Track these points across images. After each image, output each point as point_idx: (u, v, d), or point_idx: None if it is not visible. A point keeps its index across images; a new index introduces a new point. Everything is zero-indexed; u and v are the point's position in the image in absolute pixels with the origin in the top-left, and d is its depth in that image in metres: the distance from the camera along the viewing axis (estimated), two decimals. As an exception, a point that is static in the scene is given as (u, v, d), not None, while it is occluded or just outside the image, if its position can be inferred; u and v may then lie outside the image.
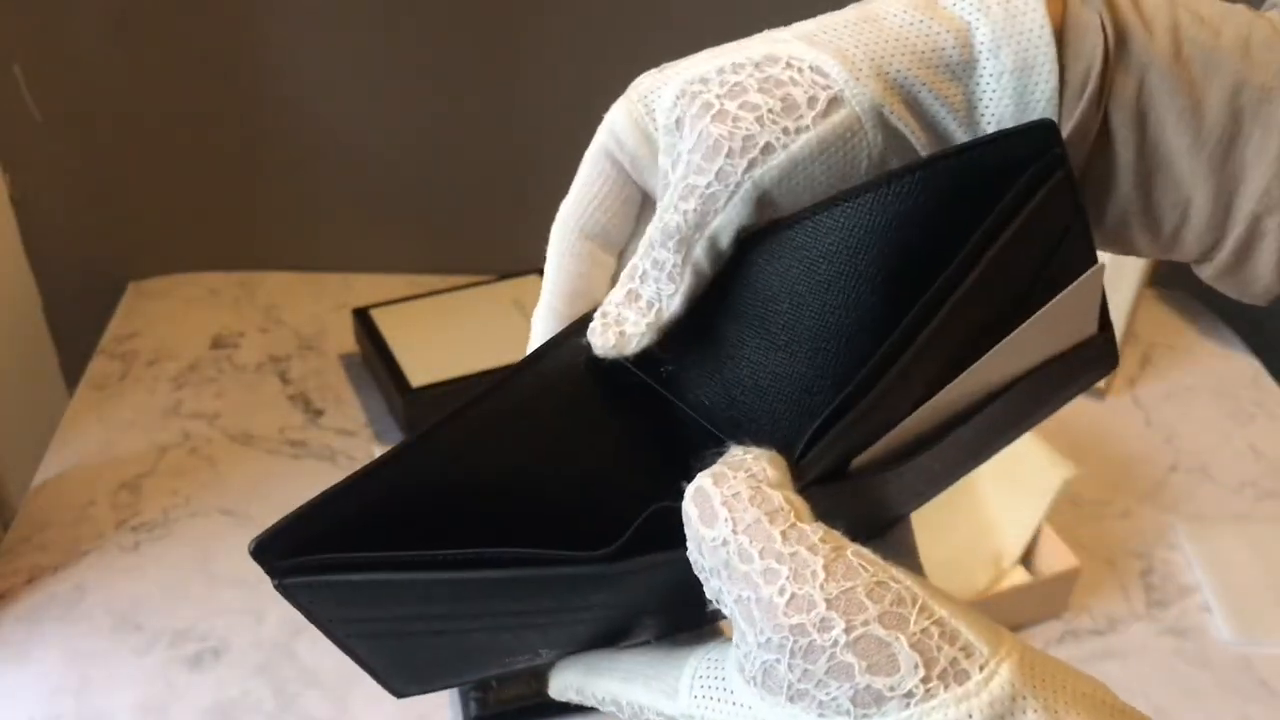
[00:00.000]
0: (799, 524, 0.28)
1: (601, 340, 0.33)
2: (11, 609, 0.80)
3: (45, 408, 1.07)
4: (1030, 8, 0.32)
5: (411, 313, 1.03)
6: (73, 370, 1.08)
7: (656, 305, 0.32)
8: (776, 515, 0.28)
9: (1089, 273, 0.32)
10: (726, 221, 0.32)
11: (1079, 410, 1.06)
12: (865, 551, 0.27)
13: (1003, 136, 0.31)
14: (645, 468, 0.33)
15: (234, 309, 1.12)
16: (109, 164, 1.08)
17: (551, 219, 0.37)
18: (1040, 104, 0.32)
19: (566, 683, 0.36)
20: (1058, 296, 0.31)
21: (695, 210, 0.32)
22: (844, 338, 0.31)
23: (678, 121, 0.33)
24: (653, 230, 0.33)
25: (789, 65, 0.33)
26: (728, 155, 0.31)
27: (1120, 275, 1.07)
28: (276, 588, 0.33)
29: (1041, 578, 0.84)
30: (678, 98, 0.33)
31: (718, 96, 0.32)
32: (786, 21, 0.37)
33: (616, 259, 0.37)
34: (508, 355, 0.97)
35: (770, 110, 0.32)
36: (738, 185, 0.31)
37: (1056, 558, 0.84)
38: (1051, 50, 0.32)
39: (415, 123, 1.09)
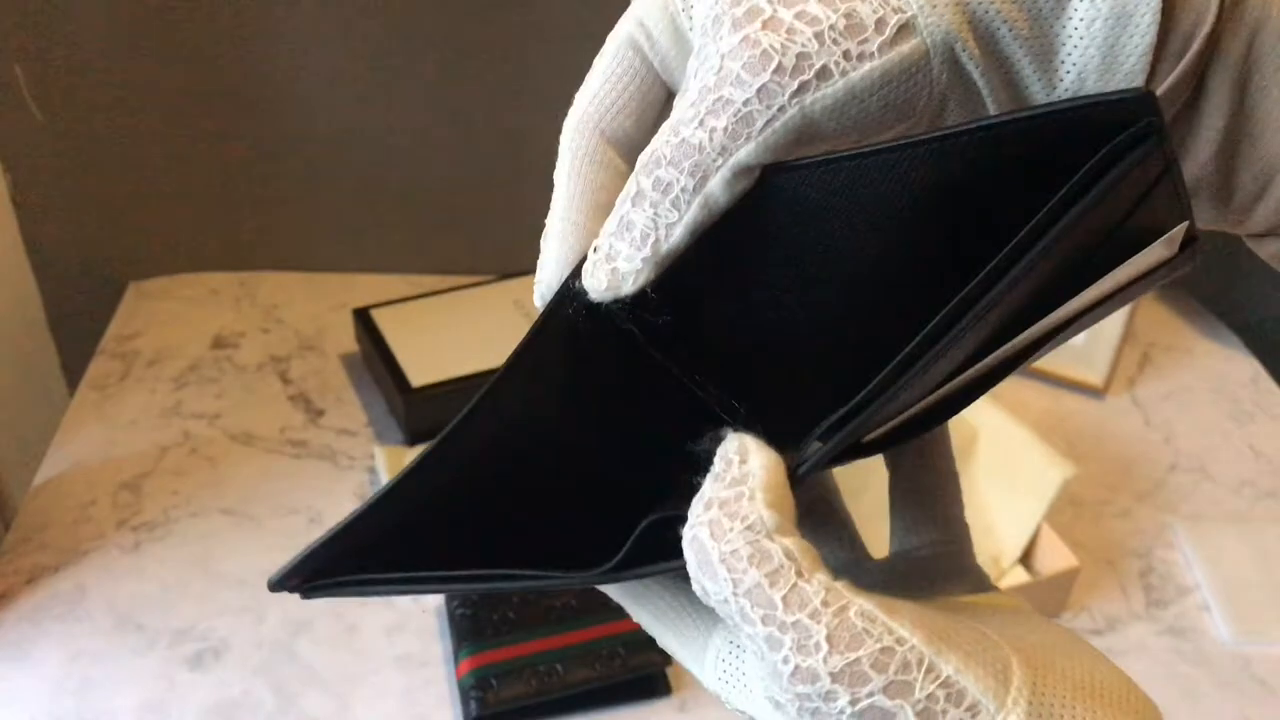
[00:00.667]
0: (800, 584, 0.26)
1: (593, 280, 0.29)
2: (12, 609, 0.80)
3: (46, 408, 1.07)
4: None
5: (412, 313, 1.03)
6: (73, 370, 1.08)
7: (653, 236, 0.28)
8: (777, 576, 0.26)
9: (1173, 231, 0.29)
10: (758, 150, 0.27)
11: (1079, 410, 1.06)
12: (869, 609, 0.26)
13: (1096, 104, 0.26)
14: (647, 437, 0.31)
15: (234, 309, 1.12)
16: (110, 164, 1.08)
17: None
18: (1131, 58, 0.28)
19: (614, 596, 0.33)
20: (1124, 264, 0.28)
21: (724, 130, 0.27)
22: (878, 303, 0.28)
23: (716, 20, 0.28)
24: (661, 144, 0.28)
25: None
26: (776, 72, 0.26)
27: (1120, 275, 1.07)
28: (302, 597, 0.33)
29: (1041, 577, 0.84)
30: None
31: (770, 1, 0.27)
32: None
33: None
34: (507, 355, 0.97)
35: (832, 27, 0.27)
36: (781, 110, 0.27)
37: (1056, 557, 0.84)
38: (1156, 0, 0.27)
39: (415, 123, 1.09)
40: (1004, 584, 0.84)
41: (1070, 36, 0.28)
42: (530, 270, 1.07)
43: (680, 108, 0.28)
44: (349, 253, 1.17)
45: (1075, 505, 0.94)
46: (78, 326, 1.13)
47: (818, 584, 0.26)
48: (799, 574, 0.26)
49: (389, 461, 0.91)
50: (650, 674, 0.76)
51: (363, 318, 1.02)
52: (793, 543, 0.26)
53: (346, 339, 1.08)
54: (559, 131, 0.33)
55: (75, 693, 0.74)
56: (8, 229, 1.06)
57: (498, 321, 1.02)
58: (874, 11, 0.27)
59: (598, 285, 0.29)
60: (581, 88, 0.32)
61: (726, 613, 0.26)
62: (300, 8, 1.01)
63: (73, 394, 1.02)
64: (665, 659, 0.76)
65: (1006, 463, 0.88)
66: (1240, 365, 1.14)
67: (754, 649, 0.26)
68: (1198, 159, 0.30)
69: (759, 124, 0.27)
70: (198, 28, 1.01)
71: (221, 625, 0.80)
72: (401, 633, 0.80)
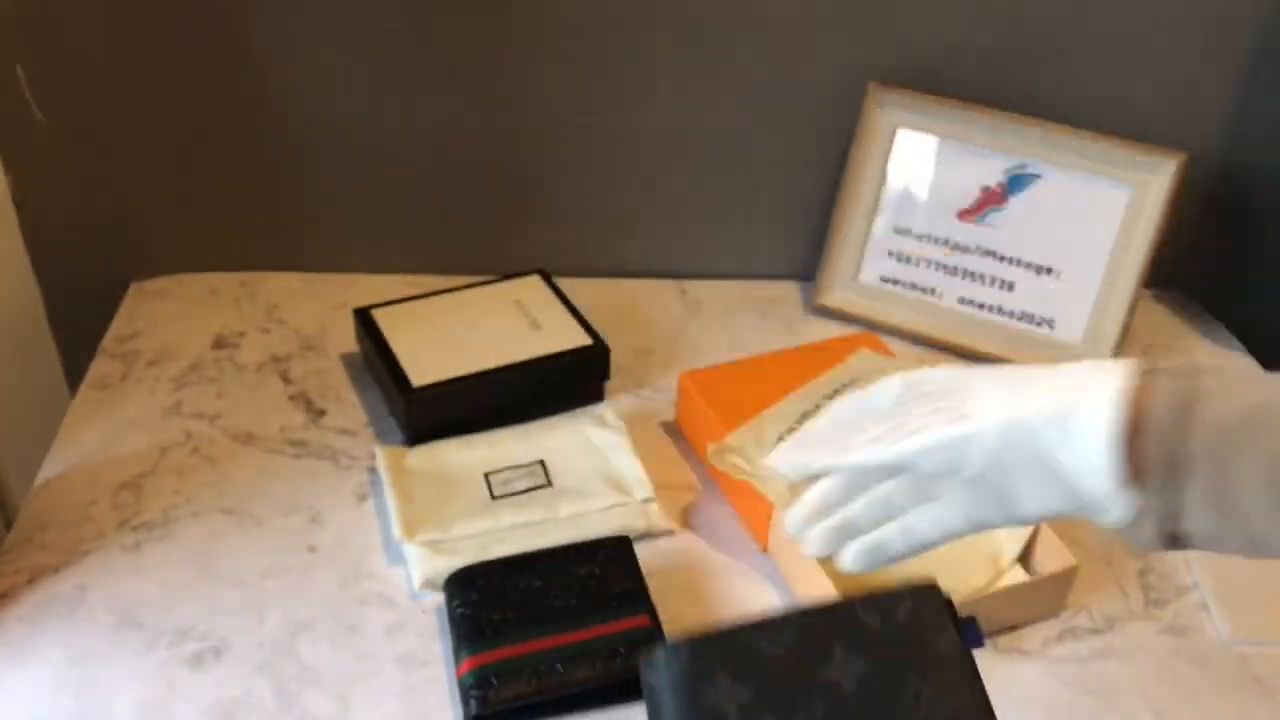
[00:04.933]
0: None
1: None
2: (13, 609, 0.80)
3: (47, 408, 1.08)
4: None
5: (412, 313, 1.03)
6: (75, 370, 1.08)
7: None
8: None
9: None
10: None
11: (1077, 410, 1.06)
12: None
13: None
14: None
15: (235, 309, 1.13)
16: (111, 165, 1.08)
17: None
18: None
19: None
20: None
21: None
22: None
23: None
24: None
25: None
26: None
27: (1118, 276, 1.07)
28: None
29: (1040, 577, 0.84)
30: None
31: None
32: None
33: None
34: (508, 355, 0.98)
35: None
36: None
37: (1055, 557, 0.84)
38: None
39: (416, 124, 1.09)
40: (1002, 583, 0.84)
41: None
42: (530, 270, 1.09)
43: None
44: (349, 253, 1.18)
45: (1074, 505, 0.94)
46: (79, 326, 1.13)
47: None
48: None
49: (389, 461, 0.92)
50: None
51: (363, 318, 1.02)
52: None
53: (347, 339, 1.08)
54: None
55: (76, 692, 0.75)
56: (9, 229, 1.06)
57: (498, 321, 1.02)
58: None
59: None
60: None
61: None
62: (303, 10, 1.01)
63: (74, 394, 1.02)
64: None
65: (1005, 463, 0.88)
66: (1237, 365, 1.14)
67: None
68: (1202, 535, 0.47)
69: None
70: (199, 30, 1.01)
71: (222, 625, 0.80)
72: (401, 632, 0.80)
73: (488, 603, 0.78)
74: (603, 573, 0.79)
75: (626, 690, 0.75)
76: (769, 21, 1.04)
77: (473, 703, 0.73)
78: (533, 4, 1.02)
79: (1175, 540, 0.48)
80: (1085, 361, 0.50)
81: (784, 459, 0.56)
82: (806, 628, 0.50)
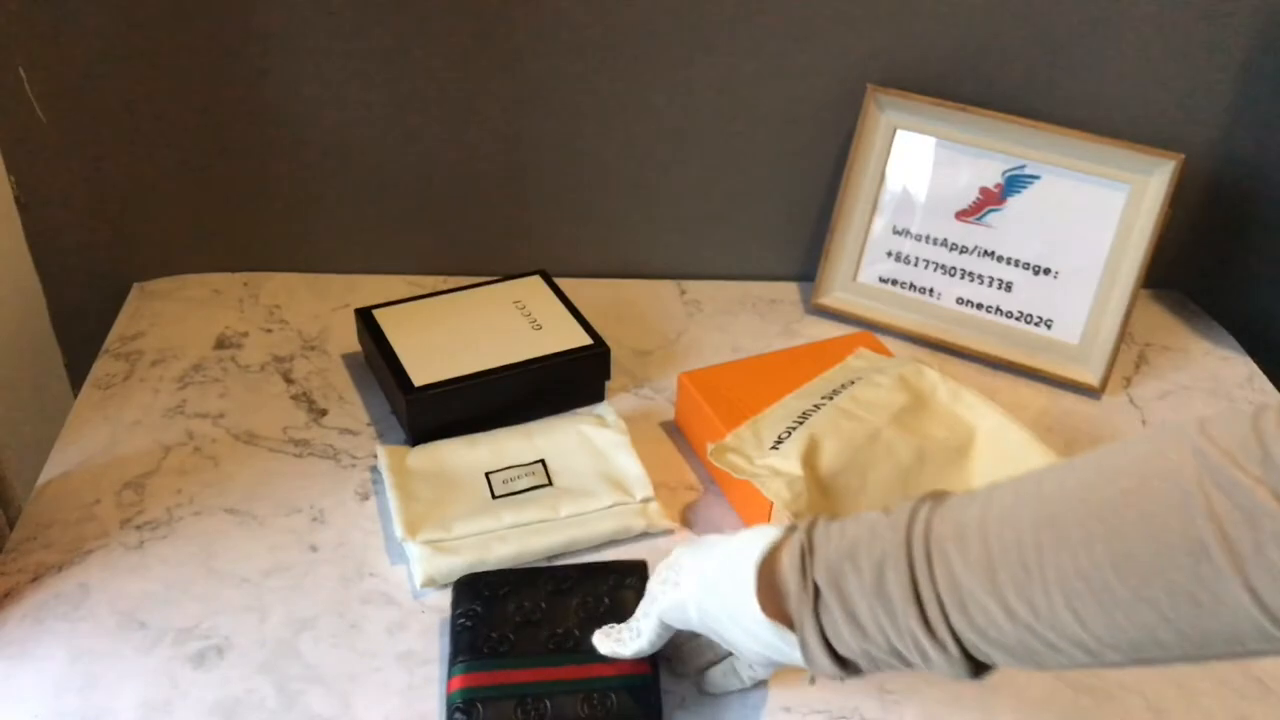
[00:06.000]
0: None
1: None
2: (16, 607, 0.81)
3: (50, 407, 1.08)
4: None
5: (414, 313, 1.04)
6: (78, 370, 1.09)
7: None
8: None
9: None
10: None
11: (1075, 409, 1.07)
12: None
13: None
14: None
15: (238, 309, 1.13)
16: (114, 166, 1.08)
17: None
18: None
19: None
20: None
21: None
22: None
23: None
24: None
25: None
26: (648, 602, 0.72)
27: (1116, 276, 1.07)
28: None
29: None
30: None
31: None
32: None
33: None
34: (509, 355, 0.98)
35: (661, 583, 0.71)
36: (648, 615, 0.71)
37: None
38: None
39: (418, 125, 1.09)
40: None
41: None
42: (530, 271, 1.09)
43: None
44: (351, 254, 1.18)
45: (1073, 504, 0.94)
46: (82, 327, 1.13)
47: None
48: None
49: (391, 461, 0.92)
50: (643, 713, 0.73)
51: (365, 318, 1.03)
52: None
53: (349, 339, 1.08)
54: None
55: (79, 691, 0.75)
56: (12, 230, 1.07)
57: (499, 322, 1.02)
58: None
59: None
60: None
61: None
62: (304, 11, 1.01)
63: (77, 394, 1.02)
64: (658, 708, 0.73)
65: (1004, 462, 0.89)
66: (1236, 365, 1.15)
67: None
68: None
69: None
70: (201, 30, 1.02)
71: (224, 623, 0.80)
72: (403, 631, 0.81)
73: (488, 618, 0.77)
74: (612, 602, 0.77)
75: None
76: (769, 22, 1.05)
77: (456, 721, 0.71)
78: (533, 5, 1.03)
79: (847, 665, 0.59)
80: (753, 529, 0.64)
81: (598, 641, 0.73)
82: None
